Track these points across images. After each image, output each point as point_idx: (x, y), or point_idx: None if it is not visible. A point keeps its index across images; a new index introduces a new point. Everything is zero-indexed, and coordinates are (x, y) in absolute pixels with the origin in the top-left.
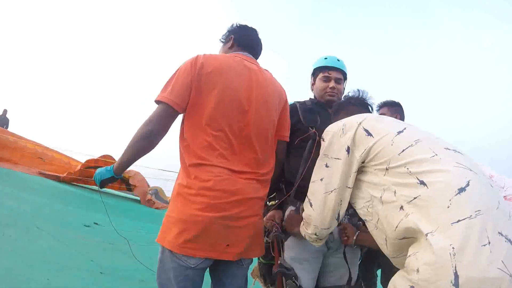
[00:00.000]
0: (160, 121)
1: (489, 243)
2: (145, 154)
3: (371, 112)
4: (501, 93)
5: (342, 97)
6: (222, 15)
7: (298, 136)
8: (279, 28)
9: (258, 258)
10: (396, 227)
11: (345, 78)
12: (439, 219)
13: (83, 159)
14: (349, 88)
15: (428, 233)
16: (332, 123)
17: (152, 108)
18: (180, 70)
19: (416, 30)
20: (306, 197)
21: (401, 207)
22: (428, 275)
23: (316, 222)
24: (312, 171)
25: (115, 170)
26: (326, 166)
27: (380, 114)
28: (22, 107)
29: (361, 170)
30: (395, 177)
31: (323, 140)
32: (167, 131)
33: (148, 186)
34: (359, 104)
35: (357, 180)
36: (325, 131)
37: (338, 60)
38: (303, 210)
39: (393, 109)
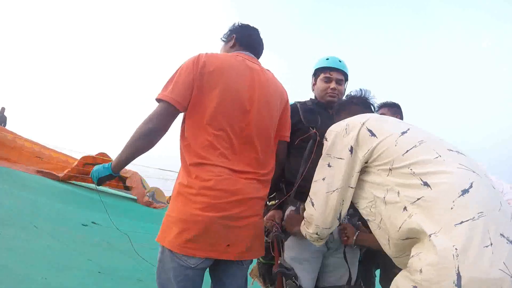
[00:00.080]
0: (161, 119)
1: (491, 244)
2: (144, 152)
3: (373, 112)
4: (501, 94)
5: (345, 96)
6: (221, 15)
7: (299, 136)
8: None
9: (258, 258)
10: (400, 227)
11: (346, 79)
12: (442, 220)
13: (80, 157)
14: (349, 89)
15: (431, 234)
16: (334, 122)
17: (150, 106)
18: (182, 69)
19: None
20: (308, 197)
21: (405, 208)
22: (431, 275)
23: (318, 222)
24: (313, 171)
25: (113, 168)
26: (329, 165)
27: (380, 114)
28: (19, 105)
29: (364, 170)
30: (399, 178)
31: (326, 140)
32: (167, 130)
33: (145, 188)
34: (362, 104)
35: (360, 180)
36: (328, 130)
37: (340, 61)
38: (304, 209)
39: (393, 110)
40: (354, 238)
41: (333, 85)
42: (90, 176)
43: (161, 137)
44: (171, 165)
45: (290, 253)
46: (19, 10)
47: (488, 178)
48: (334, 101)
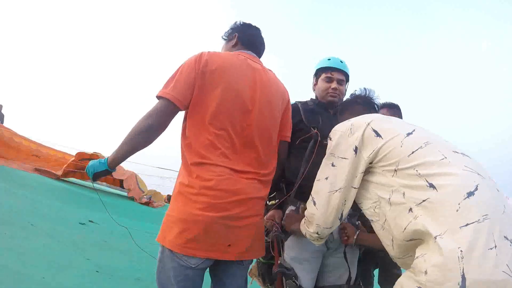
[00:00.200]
0: (160, 116)
1: (495, 246)
2: (142, 149)
3: (377, 112)
4: (501, 94)
5: (349, 95)
6: (220, 14)
7: (300, 136)
8: (278, 28)
9: (257, 258)
10: (405, 228)
11: (347, 80)
12: (448, 222)
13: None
14: (349, 89)
15: (437, 235)
16: (334, 122)
17: (147, 104)
18: (183, 67)
19: (416, 30)
20: (310, 196)
21: (410, 209)
22: (436, 276)
23: (319, 221)
24: (313, 171)
25: (109, 164)
26: (332, 165)
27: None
28: (16, 103)
29: (368, 171)
30: (404, 179)
31: (330, 139)
32: (166, 128)
33: (143, 191)
34: (366, 104)
35: (364, 181)
36: (332, 130)
37: (341, 62)
38: (303, 209)
39: (392, 110)
40: (355, 237)
41: (334, 85)
42: (85, 171)
43: (159, 134)
44: (170, 164)
45: (290, 253)
46: (16, 8)
47: (493, 180)
48: (335, 101)
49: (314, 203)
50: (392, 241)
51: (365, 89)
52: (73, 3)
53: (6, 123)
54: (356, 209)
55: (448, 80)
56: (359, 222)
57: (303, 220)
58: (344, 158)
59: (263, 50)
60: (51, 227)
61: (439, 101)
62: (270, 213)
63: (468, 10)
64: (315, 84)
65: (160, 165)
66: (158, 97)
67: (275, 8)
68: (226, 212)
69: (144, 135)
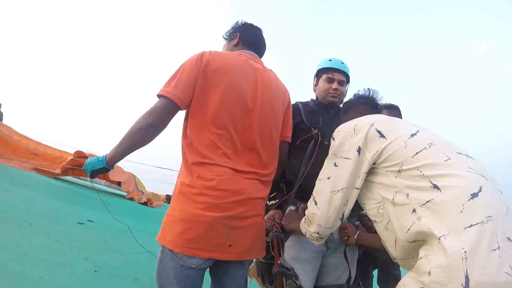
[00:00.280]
0: (161, 114)
1: (499, 248)
2: (141, 147)
3: (380, 113)
4: (501, 95)
5: (353, 95)
6: (219, 14)
7: (300, 137)
8: (277, 29)
9: (258, 258)
10: (408, 229)
11: (348, 81)
12: (452, 223)
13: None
14: (349, 91)
15: (441, 236)
16: (337, 122)
17: (145, 104)
18: (185, 66)
19: (415, 30)
20: (312, 195)
21: (414, 210)
22: (439, 277)
23: (320, 221)
24: (313, 171)
25: (108, 161)
26: (335, 165)
27: None
28: (15, 101)
29: (371, 171)
30: (408, 180)
31: (334, 139)
32: (166, 126)
33: (142, 193)
34: (369, 104)
35: (367, 181)
36: (336, 130)
37: (342, 63)
38: (303, 209)
39: (393, 112)
40: (355, 237)
41: (335, 85)
42: (83, 168)
43: (159, 133)
44: (169, 163)
45: (290, 252)
46: (15, 7)
47: (496, 182)
48: (335, 101)
49: (316, 203)
50: (395, 242)
51: (369, 89)
52: (72, 2)
53: (4, 122)
54: (355, 209)
55: (448, 80)
56: (358, 222)
57: (303, 219)
58: (347, 158)
59: (264, 50)
60: (49, 226)
61: (438, 102)
62: (270, 213)
63: (470, 10)
64: (315, 85)
65: (159, 165)
66: (159, 95)
67: (275, 8)
68: (227, 212)
69: (144, 133)
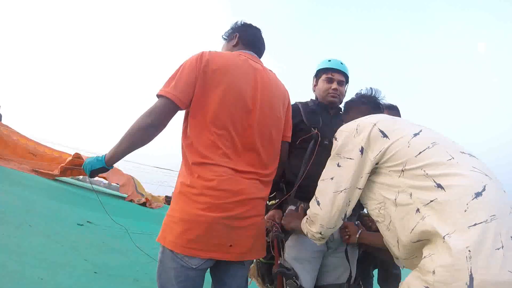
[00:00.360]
0: (160, 114)
1: (502, 247)
2: (140, 147)
3: (382, 113)
4: (501, 95)
5: (355, 94)
6: (216, 14)
7: (300, 137)
8: (277, 29)
9: (258, 258)
10: (412, 229)
11: (347, 82)
12: (456, 222)
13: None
14: (349, 91)
15: (445, 235)
16: (336, 122)
17: (144, 105)
18: (184, 66)
19: (415, 30)
20: (314, 196)
21: (417, 210)
22: (444, 276)
23: (323, 222)
24: (313, 171)
25: (107, 161)
26: (338, 165)
27: None
28: (14, 102)
29: (373, 171)
30: (411, 179)
31: (336, 140)
32: (165, 126)
33: (142, 196)
34: (371, 104)
35: (369, 181)
36: (338, 130)
37: (341, 63)
38: (303, 208)
39: (392, 112)
40: (357, 236)
41: (334, 85)
42: (82, 167)
43: (159, 133)
44: (169, 163)
45: (291, 252)
46: (14, 7)
47: (499, 181)
48: (335, 101)
49: (318, 203)
50: (398, 242)
51: (371, 88)
52: (72, 2)
53: (3, 123)
54: (355, 209)
55: (448, 80)
56: (358, 222)
57: (304, 219)
58: (350, 159)
59: (264, 50)
60: (49, 227)
61: (438, 101)
62: (270, 213)
63: (468, 10)
64: (315, 85)
65: (159, 166)
66: (159, 95)
67: (275, 8)
68: (228, 212)
69: (143, 132)
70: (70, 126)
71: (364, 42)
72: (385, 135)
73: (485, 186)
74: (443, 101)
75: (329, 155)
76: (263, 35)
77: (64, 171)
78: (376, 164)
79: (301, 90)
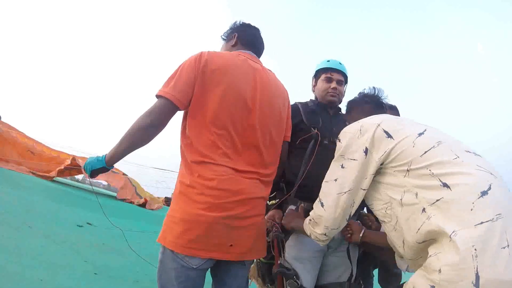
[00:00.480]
0: (160, 114)
1: (508, 245)
2: (140, 147)
3: (385, 112)
4: (501, 95)
5: (357, 94)
6: (215, 14)
7: (300, 137)
8: (276, 29)
9: (259, 258)
10: (418, 229)
11: (346, 82)
12: (462, 221)
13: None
14: (348, 91)
15: (451, 234)
16: (336, 122)
17: (144, 105)
18: (183, 66)
19: (415, 30)
20: (318, 197)
21: (423, 210)
22: (450, 275)
23: (327, 223)
24: (313, 171)
25: (107, 161)
26: (342, 167)
27: None
28: (13, 103)
29: (378, 172)
30: (417, 179)
31: (340, 141)
32: (165, 126)
33: (140, 197)
34: (374, 103)
35: (374, 182)
36: (341, 132)
37: (340, 63)
38: (303, 208)
39: (392, 112)
40: (361, 235)
41: (334, 85)
42: (83, 167)
43: (158, 133)
44: (168, 164)
45: (291, 252)
46: (14, 7)
47: (504, 180)
48: (335, 100)
49: (322, 205)
50: (403, 243)
51: (374, 88)
52: (72, 2)
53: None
54: (356, 210)
55: (448, 80)
56: (358, 222)
57: (307, 220)
58: (354, 160)
59: (263, 50)
60: (48, 228)
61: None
62: (270, 213)
63: (468, 10)
64: (314, 85)
65: (159, 166)
66: (158, 96)
67: (275, 8)
68: (228, 212)
69: (143, 132)
70: (70, 126)
71: (364, 42)
72: (389, 136)
73: (490, 185)
74: (443, 101)
75: (329, 154)
76: (263, 35)
77: (62, 172)
78: (381, 164)
79: (301, 90)
